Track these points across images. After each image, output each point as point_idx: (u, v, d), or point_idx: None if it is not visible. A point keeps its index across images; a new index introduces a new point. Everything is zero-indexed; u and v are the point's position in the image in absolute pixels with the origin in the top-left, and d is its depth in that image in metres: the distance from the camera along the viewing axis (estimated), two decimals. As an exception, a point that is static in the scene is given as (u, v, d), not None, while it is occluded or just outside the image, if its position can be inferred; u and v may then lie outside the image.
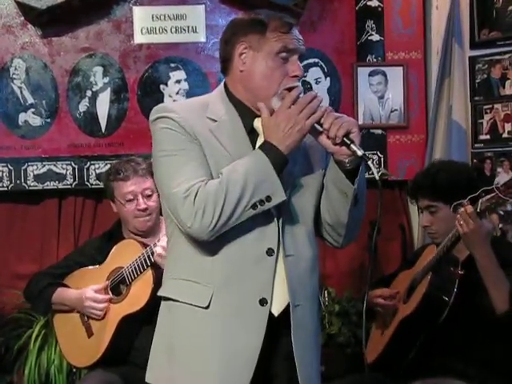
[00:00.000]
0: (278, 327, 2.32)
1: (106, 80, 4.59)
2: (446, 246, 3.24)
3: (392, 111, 4.71)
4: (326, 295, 4.56)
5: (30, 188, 4.56)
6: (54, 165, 4.57)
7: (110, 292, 3.48)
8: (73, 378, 4.19)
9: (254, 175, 2.23)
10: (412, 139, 4.72)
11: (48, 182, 4.57)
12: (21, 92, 4.56)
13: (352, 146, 2.24)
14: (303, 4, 4.52)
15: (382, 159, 4.70)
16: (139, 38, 4.59)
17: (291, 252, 2.33)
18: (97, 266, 3.57)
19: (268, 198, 2.24)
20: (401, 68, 4.68)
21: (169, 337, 2.37)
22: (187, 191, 2.23)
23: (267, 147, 2.26)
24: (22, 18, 4.51)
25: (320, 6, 4.66)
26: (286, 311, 2.32)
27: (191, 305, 2.32)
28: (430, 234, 3.41)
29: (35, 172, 4.56)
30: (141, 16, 4.59)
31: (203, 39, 4.61)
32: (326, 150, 2.38)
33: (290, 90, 2.31)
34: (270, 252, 2.30)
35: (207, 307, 2.30)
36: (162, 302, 2.43)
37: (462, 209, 3.07)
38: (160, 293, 2.44)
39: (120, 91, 4.59)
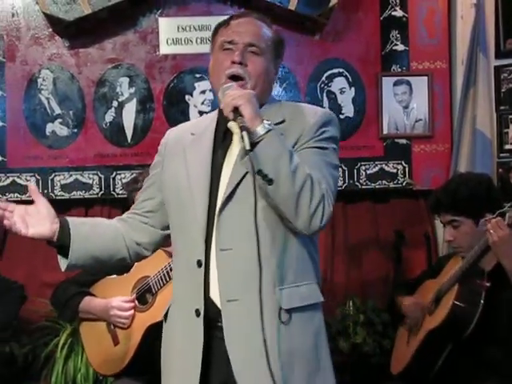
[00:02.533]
0: (215, 332, 2.30)
1: (132, 90, 4.63)
2: (473, 258, 3.23)
3: (417, 121, 4.70)
4: (351, 305, 4.56)
5: (57, 197, 4.61)
6: (81, 174, 4.61)
7: (136, 301, 3.50)
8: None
9: None
10: (437, 149, 4.71)
11: (75, 192, 4.62)
12: (48, 103, 4.61)
13: (231, 122, 2.24)
14: (328, 14, 4.53)
15: (407, 169, 4.69)
16: (165, 49, 4.62)
17: (227, 246, 2.26)
18: (123, 274, 3.60)
19: None
20: (425, 78, 4.68)
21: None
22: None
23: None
24: (50, 30, 4.57)
25: (345, 17, 4.67)
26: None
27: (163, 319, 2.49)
28: (455, 248, 3.40)
29: (62, 182, 4.60)
30: (166, 27, 4.63)
31: (228, 50, 4.63)
32: (300, 134, 2.34)
33: (230, 78, 2.32)
34: (199, 263, 2.28)
35: (165, 320, 2.45)
36: None
37: (493, 219, 3.07)
38: None
39: (146, 101, 4.63)
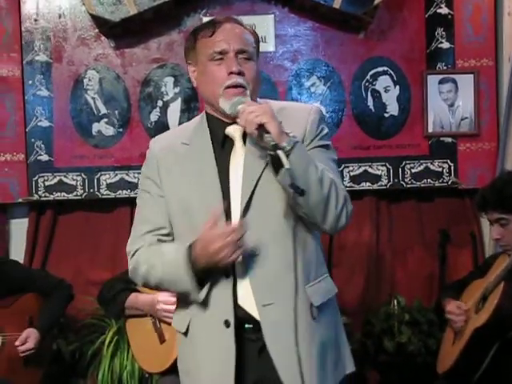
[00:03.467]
0: (248, 342, 2.33)
1: (177, 90, 4.66)
2: None
3: (462, 119, 4.66)
4: (396, 304, 4.54)
5: (103, 196, 4.66)
6: (126, 174, 4.65)
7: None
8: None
9: (172, 272, 2.33)
10: (483, 147, 4.67)
11: (120, 191, 4.66)
12: (94, 102, 4.66)
13: (266, 136, 2.21)
14: (373, 13, 4.51)
15: (453, 167, 4.66)
16: (209, 49, 4.64)
17: (255, 252, 2.30)
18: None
19: (186, 293, 2.33)
20: (471, 75, 4.64)
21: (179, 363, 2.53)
22: (129, 247, 2.48)
23: (190, 253, 2.28)
24: (96, 31, 4.62)
25: (389, 15, 4.65)
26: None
27: (178, 331, 2.46)
28: (502, 246, 3.37)
29: (108, 181, 4.65)
30: (211, 27, 4.64)
31: (272, 48, 4.65)
32: (304, 135, 2.39)
33: (229, 87, 2.33)
34: (228, 274, 2.31)
35: (186, 333, 2.41)
36: None
37: None
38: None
39: (190, 101, 4.65)
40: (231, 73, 2.33)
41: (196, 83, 2.45)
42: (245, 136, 2.36)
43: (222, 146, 2.40)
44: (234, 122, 2.35)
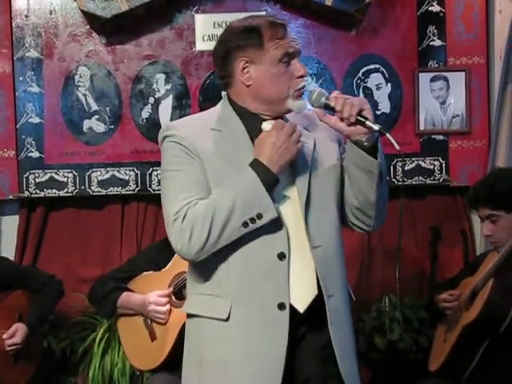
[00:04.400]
0: (302, 326, 2.34)
1: (169, 87, 4.65)
2: (507, 252, 3.21)
3: (454, 117, 4.67)
4: (387, 301, 4.54)
5: (94, 193, 4.64)
6: (118, 171, 4.64)
7: (173, 297, 3.52)
8: (136, 381, 4.23)
9: (243, 194, 2.27)
10: (474, 145, 4.67)
11: (111, 188, 4.64)
12: (85, 99, 4.65)
13: (367, 122, 2.30)
14: (365, 10, 4.51)
15: (444, 165, 4.66)
16: (201, 45, 4.63)
17: (319, 243, 2.35)
18: (160, 270, 3.62)
19: (259, 216, 2.27)
20: (463, 73, 4.64)
21: (197, 352, 2.40)
22: (177, 214, 2.29)
23: (258, 166, 2.29)
24: (88, 27, 4.60)
25: (381, 12, 4.64)
26: (310, 307, 2.34)
27: (213, 319, 2.35)
28: (493, 242, 3.38)
29: (99, 178, 4.63)
30: (202, 23, 4.64)
31: (264, 46, 4.64)
32: (338, 138, 2.50)
33: (299, 89, 2.39)
34: (281, 256, 2.31)
35: (227, 319, 2.33)
36: (187, 319, 2.48)
37: None
38: (184, 309, 2.49)
39: (182, 98, 4.64)
40: (301, 76, 2.40)
41: (251, 81, 2.41)
42: None
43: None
44: (271, 118, 2.42)
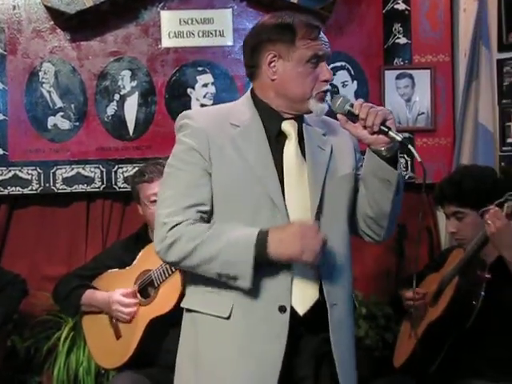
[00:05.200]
0: (301, 328, 2.34)
1: (134, 84, 4.62)
2: (473, 249, 3.23)
3: (419, 114, 4.69)
4: (353, 298, 4.56)
5: (59, 191, 4.59)
6: (83, 168, 4.60)
7: (138, 295, 3.50)
8: (101, 380, 4.21)
9: (232, 251, 2.26)
10: (439, 142, 4.70)
11: (76, 185, 4.60)
12: (50, 96, 4.60)
13: (390, 132, 2.30)
14: (330, 7, 4.51)
15: (409, 162, 4.68)
16: (167, 42, 4.61)
17: (326, 249, 2.33)
18: (125, 268, 3.60)
19: (234, 277, 2.27)
20: (428, 71, 4.67)
21: (194, 348, 2.40)
22: (168, 218, 2.31)
23: (264, 239, 2.25)
24: (52, 23, 4.55)
25: (347, 10, 4.65)
26: (310, 310, 2.34)
27: (214, 316, 2.35)
28: (458, 239, 3.40)
29: (64, 175, 4.59)
30: (168, 20, 4.61)
31: (230, 43, 4.63)
32: (354, 147, 2.51)
33: (322, 92, 2.39)
34: (288, 266, 2.32)
35: (228, 318, 2.33)
36: (186, 313, 2.47)
37: (491, 209, 3.07)
38: (183, 304, 2.49)
39: (148, 95, 4.62)
40: (325, 80, 2.39)
41: (276, 76, 2.40)
42: (299, 134, 2.43)
43: (276, 141, 2.42)
44: (291, 118, 2.42)
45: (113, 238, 4.60)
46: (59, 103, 4.60)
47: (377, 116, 2.29)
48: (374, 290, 4.61)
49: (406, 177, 4.66)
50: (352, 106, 2.35)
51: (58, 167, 4.58)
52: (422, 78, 4.67)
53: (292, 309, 2.31)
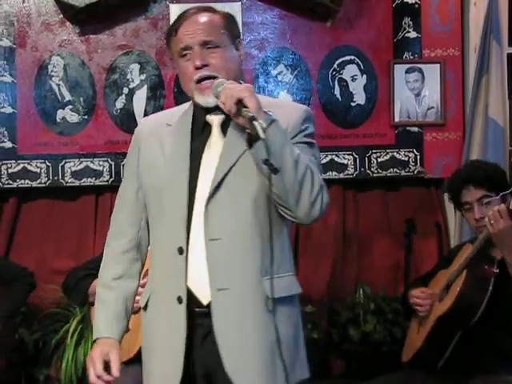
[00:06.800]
0: (203, 319, 2.33)
1: (143, 77, 4.62)
2: (480, 244, 3.22)
3: (429, 109, 4.67)
4: (361, 293, 4.56)
5: (68, 184, 4.61)
6: (91, 161, 4.60)
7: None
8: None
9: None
10: (449, 137, 4.68)
11: (85, 179, 4.61)
12: (59, 89, 4.61)
13: (244, 110, 2.20)
14: (340, 1, 4.50)
15: (419, 157, 4.67)
16: (176, 36, 4.60)
17: (217, 236, 2.29)
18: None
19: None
20: (438, 65, 4.65)
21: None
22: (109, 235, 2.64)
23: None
24: (61, 16, 4.56)
25: (357, 3, 4.64)
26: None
27: (142, 308, 2.48)
28: (480, 227, 3.32)
29: (72, 168, 4.60)
30: (177, 13, 4.46)
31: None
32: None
33: (199, 81, 2.33)
34: (180, 250, 2.32)
35: (145, 308, 2.44)
36: None
37: (493, 209, 3.05)
38: None
39: (156, 88, 4.61)
40: (196, 68, 2.33)
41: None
42: (223, 125, 2.37)
43: (202, 132, 2.40)
44: (217, 111, 2.36)
45: (121, 231, 4.60)
46: (68, 96, 4.60)
47: (231, 97, 2.21)
48: (382, 284, 4.61)
49: (415, 171, 4.65)
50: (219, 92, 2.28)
51: (67, 160, 4.59)
52: (432, 72, 4.65)
53: (196, 299, 2.32)
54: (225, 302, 2.29)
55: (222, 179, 2.30)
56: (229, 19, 2.46)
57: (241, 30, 4.52)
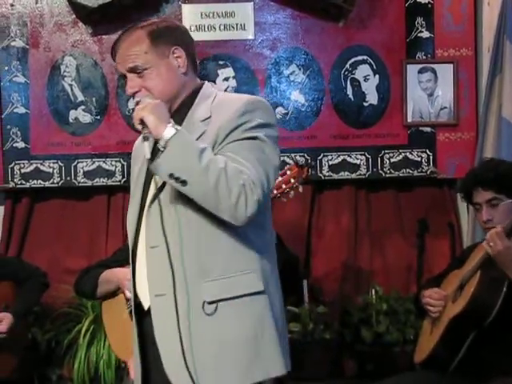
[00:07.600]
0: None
1: (155, 77, 4.62)
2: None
3: (442, 109, 4.66)
4: (374, 293, 4.54)
5: (80, 184, 4.62)
6: (104, 161, 4.62)
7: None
8: (121, 373, 4.22)
9: None
10: (462, 137, 4.67)
11: (97, 179, 4.63)
12: (71, 89, 4.62)
13: (143, 129, 2.25)
14: (353, 1, 4.49)
15: (431, 157, 4.65)
16: (188, 36, 4.61)
17: (155, 243, 2.32)
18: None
19: None
20: (451, 65, 4.64)
21: None
22: None
23: None
24: (74, 17, 4.57)
25: (369, 3, 4.63)
26: None
27: None
28: (489, 229, 3.31)
29: (85, 169, 4.61)
30: (190, 13, 4.61)
31: (251, 36, 4.62)
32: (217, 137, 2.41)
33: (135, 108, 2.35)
34: (133, 257, 2.43)
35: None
36: None
37: (492, 231, 3.05)
38: None
39: (168, 89, 4.61)
40: (132, 95, 2.38)
41: None
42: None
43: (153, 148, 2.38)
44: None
45: (133, 231, 4.61)
46: (80, 97, 4.61)
47: (135, 120, 2.26)
48: (394, 285, 4.59)
49: (428, 172, 4.64)
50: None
51: (79, 160, 4.60)
52: (445, 72, 4.64)
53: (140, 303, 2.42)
54: (162, 308, 2.32)
55: (160, 189, 2.34)
56: (155, 34, 2.40)
57: (253, 30, 4.58)
